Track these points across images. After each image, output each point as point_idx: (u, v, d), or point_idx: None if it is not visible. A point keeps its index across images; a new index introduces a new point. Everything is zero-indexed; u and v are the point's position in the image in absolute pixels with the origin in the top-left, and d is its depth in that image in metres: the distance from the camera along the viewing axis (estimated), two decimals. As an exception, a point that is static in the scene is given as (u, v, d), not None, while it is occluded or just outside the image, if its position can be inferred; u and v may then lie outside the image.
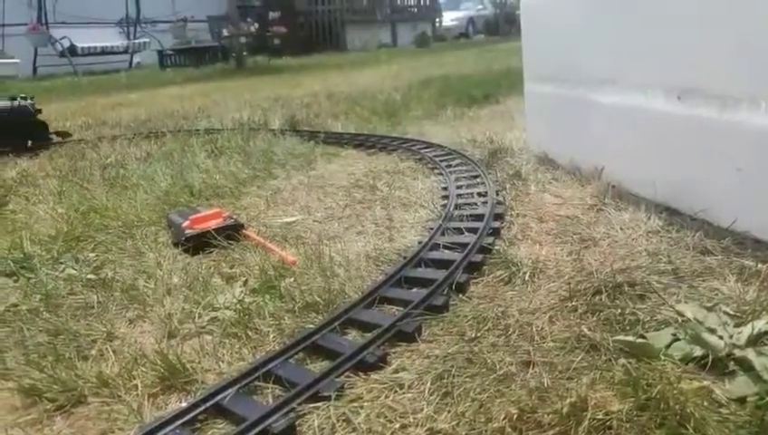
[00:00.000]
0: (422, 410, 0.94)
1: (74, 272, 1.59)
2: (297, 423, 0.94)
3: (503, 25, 16.87)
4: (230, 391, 1.01)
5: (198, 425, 0.97)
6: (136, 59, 12.42)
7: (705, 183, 1.56)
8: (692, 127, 1.57)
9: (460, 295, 1.32)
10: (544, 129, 2.44)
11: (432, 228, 1.68)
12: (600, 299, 1.23)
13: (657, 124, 1.70)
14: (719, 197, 1.51)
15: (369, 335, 1.15)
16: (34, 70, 11.16)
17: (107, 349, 1.22)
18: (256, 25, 11.03)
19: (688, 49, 1.55)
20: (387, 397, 0.99)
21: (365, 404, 0.97)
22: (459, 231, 1.65)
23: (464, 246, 1.52)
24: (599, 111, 1.97)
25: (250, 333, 1.23)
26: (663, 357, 1.00)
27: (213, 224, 1.78)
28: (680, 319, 1.11)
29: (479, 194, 1.98)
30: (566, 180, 2.08)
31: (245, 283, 1.47)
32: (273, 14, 12.82)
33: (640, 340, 1.05)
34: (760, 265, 1.29)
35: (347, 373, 1.05)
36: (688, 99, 1.57)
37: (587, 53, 2.04)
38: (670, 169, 1.67)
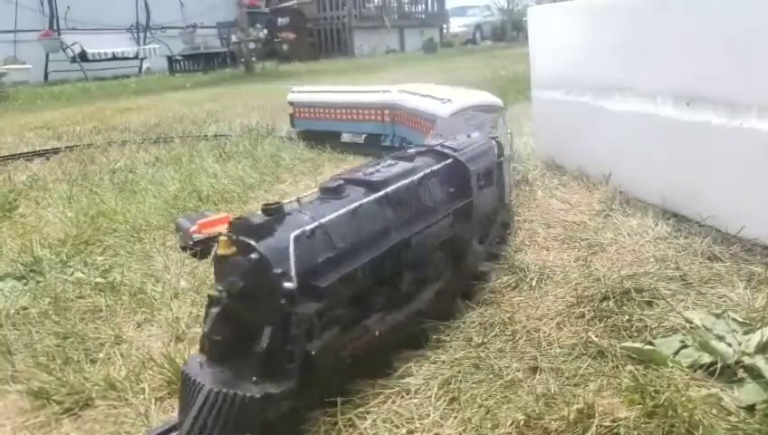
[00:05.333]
0: (428, 415, 0.94)
1: (83, 275, 1.60)
2: (303, 429, 0.94)
3: (510, 32, 16.87)
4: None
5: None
6: (146, 64, 12.50)
7: (713, 189, 1.55)
8: (701, 134, 1.56)
9: (467, 302, 1.31)
10: (552, 135, 2.43)
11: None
12: (608, 305, 1.22)
13: (665, 131, 1.69)
14: (728, 203, 1.50)
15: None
16: (46, 75, 11.25)
17: (115, 352, 1.22)
18: (265, 31, 11.07)
19: (697, 57, 1.55)
20: (393, 402, 0.99)
21: (371, 409, 0.97)
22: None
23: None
24: (606, 118, 1.97)
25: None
26: (671, 364, 0.99)
27: (220, 228, 1.78)
28: (688, 326, 1.11)
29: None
30: (573, 186, 2.07)
31: (253, 287, 1.47)
32: (281, 20, 12.88)
33: (648, 346, 1.05)
34: (769, 272, 1.29)
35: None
36: (697, 106, 1.56)
37: (595, 61, 2.04)
38: (678, 176, 1.67)
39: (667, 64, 1.66)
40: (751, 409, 0.87)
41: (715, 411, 0.86)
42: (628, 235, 1.60)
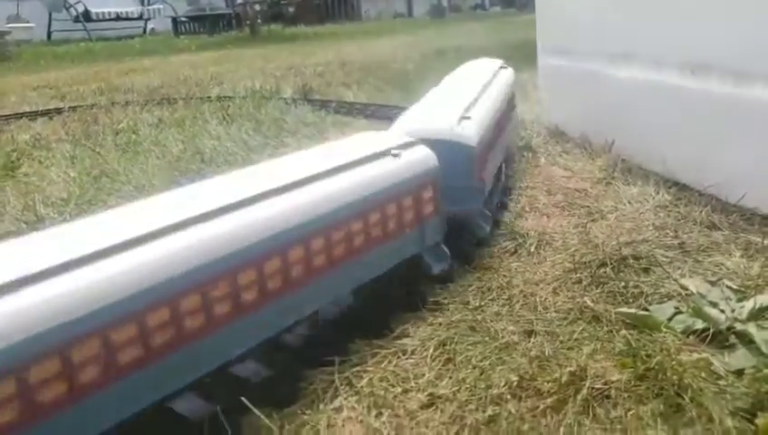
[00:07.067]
0: (424, 375, 0.96)
1: (86, 235, 1.61)
2: (301, 386, 0.96)
3: (520, -3, 16.61)
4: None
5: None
6: (150, 25, 12.39)
7: (714, 158, 1.55)
8: (704, 102, 1.55)
9: (466, 266, 1.32)
10: (557, 102, 2.42)
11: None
12: (605, 272, 1.23)
13: (669, 98, 1.68)
14: (729, 172, 1.50)
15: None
16: (49, 35, 11.16)
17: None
18: (271, -7, 10.95)
19: (703, 23, 1.53)
20: (390, 362, 1.00)
21: (368, 369, 0.99)
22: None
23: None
24: (611, 85, 1.96)
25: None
26: (664, 329, 1.01)
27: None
28: (684, 293, 1.12)
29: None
30: (576, 153, 2.07)
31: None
32: (287, -18, 12.72)
33: (643, 312, 1.06)
34: (766, 241, 1.29)
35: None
36: (702, 74, 1.55)
37: (601, 27, 2.01)
38: (680, 144, 1.67)
39: (672, 31, 1.64)
40: (740, 373, 0.88)
41: (704, 375, 0.87)
42: (629, 202, 1.60)
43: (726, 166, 1.51)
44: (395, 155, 1.09)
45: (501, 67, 1.99)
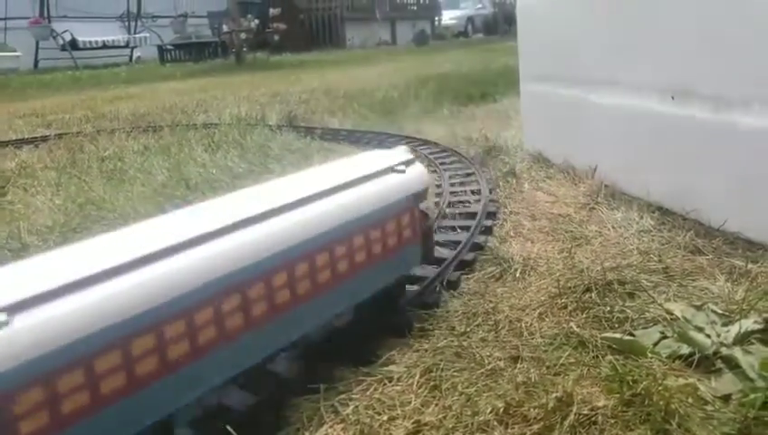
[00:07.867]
0: (410, 402, 0.95)
1: (69, 263, 1.59)
2: (287, 414, 0.94)
3: (501, 25, 16.87)
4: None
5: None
6: (136, 53, 12.44)
7: (697, 183, 1.56)
8: (685, 127, 1.58)
9: (451, 292, 1.32)
10: (540, 128, 2.44)
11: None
12: (590, 297, 1.23)
13: (651, 124, 1.71)
14: (711, 197, 1.52)
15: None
16: (36, 63, 11.17)
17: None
18: (256, 21, 11.02)
19: (682, 50, 1.56)
20: (376, 389, 0.99)
21: (354, 396, 0.98)
22: (452, 229, 1.66)
23: (456, 243, 1.53)
24: (593, 111, 1.98)
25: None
26: (650, 354, 1.01)
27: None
28: (669, 317, 1.12)
29: (472, 192, 1.98)
30: (560, 179, 2.09)
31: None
32: (273, 11, 12.82)
33: (628, 337, 1.06)
34: (750, 265, 1.30)
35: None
36: (682, 100, 1.58)
37: (583, 53, 2.04)
38: (663, 169, 1.68)
39: (653, 58, 1.67)
40: (726, 398, 0.88)
41: (690, 401, 0.87)
42: (613, 227, 1.61)
43: (708, 191, 1.53)
44: None
45: (392, 170, 1.09)
